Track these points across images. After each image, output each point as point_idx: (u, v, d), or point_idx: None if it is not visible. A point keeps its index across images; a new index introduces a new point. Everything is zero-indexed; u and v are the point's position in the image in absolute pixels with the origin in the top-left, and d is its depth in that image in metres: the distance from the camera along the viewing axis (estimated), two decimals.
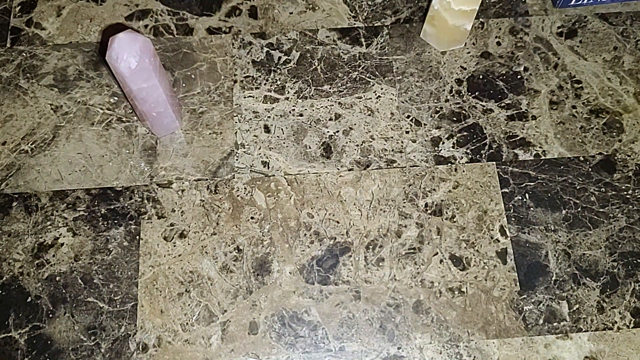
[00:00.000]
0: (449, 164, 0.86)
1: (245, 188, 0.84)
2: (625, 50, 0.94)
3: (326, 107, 0.90)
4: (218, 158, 0.86)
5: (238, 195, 0.84)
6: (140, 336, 0.77)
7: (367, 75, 0.92)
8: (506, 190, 0.85)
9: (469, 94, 0.91)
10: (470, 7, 0.84)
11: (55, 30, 0.95)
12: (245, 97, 0.90)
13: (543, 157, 0.87)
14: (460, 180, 0.85)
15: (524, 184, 0.85)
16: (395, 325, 0.77)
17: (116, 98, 0.90)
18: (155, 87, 0.77)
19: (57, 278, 0.79)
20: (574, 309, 0.78)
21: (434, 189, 0.85)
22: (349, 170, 0.86)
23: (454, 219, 0.83)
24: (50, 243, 0.81)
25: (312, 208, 0.83)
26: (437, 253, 0.81)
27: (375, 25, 0.95)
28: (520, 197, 0.84)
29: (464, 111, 0.89)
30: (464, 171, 0.86)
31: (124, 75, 0.73)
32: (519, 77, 0.92)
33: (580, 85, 0.91)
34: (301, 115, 0.89)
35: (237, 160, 0.86)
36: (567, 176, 0.86)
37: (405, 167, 0.86)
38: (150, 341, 0.76)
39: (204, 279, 0.79)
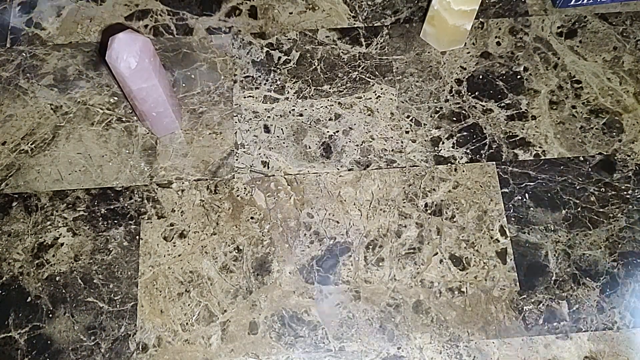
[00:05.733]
0: (449, 164, 0.86)
1: (245, 188, 0.84)
2: (625, 50, 0.94)
3: (326, 107, 0.90)
4: (218, 158, 0.86)
5: (238, 195, 0.84)
6: (140, 336, 0.77)
7: (367, 75, 0.92)
8: (506, 190, 0.85)
9: (469, 94, 0.91)
10: (470, 7, 0.84)
11: (55, 30, 0.95)
12: (245, 97, 0.90)
13: (543, 157, 0.87)
14: (460, 180, 0.85)
15: (523, 184, 0.85)
16: (395, 325, 0.77)
17: (116, 98, 0.90)
18: (155, 87, 0.77)
19: (57, 278, 0.79)
20: (574, 309, 0.78)
21: (433, 189, 0.85)
22: (349, 170, 0.86)
23: (454, 219, 0.83)
24: (50, 243, 0.81)
25: (312, 208, 0.83)
26: (437, 253, 0.81)
27: (375, 25, 0.95)
28: (520, 197, 0.84)
29: (463, 111, 0.89)
30: (463, 171, 0.86)
31: (123, 75, 0.73)
32: (518, 77, 0.92)
33: (580, 85, 0.91)
34: (301, 115, 0.89)
35: (237, 160, 0.86)
36: (567, 176, 0.86)
37: (405, 167, 0.86)
38: (150, 341, 0.76)
39: (204, 279, 0.79)
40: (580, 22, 0.96)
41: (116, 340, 0.76)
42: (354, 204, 0.84)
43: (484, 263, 0.80)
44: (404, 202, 0.84)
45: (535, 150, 0.87)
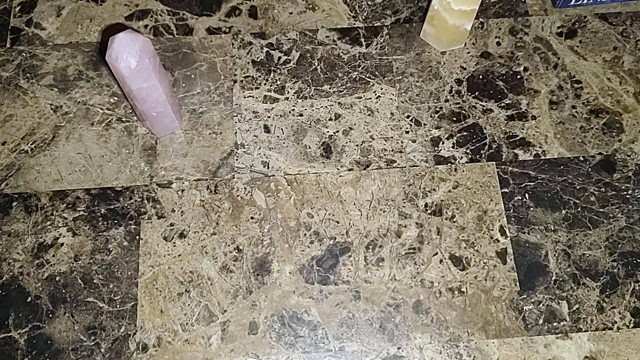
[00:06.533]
0: (449, 164, 0.86)
1: (245, 188, 0.84)
2: (625, 50, 0.94)
3: (326, 107, 0.90)
4: (218, 158, 0.86)
5: (238, 195, 0.84)
6: (140, 336, 0.77)
7: (367, 75, 0.92)
8: (506, 190, 0.85)
9: (469, 94, 0.91)
10: (470, 7, 0.84)
11: (55, 30, 0.95)
12: (245, 97, 0.90)
13: (543, 157, 0.87)
14: (460, 180, 0.85)
15: (523, 184, 0.85)
16: (395, 325, 0.77)
17: (116, 98, 0.90)
18: (155, 87, 0.77)
19: (57, 278, 0.79)
20: (574, 309, 0.78)
21: (433, 189, 0.85)
22: (349, 170, 0.86)
23: (454, 219, 0.83)
24: (50, 243, 0.81)
25: (312, 208, 0.83)
26: (437, 253, 0.81)
27: (375, 25, 0.95)
28: (520, 197, 0.84)
29: (463, 111, 0.89)
30: (463, 171, 0.86)
31: (124, 75, 0.73)
32: (518, 77, 0.92)
33: (580, 85, 0.91)
34: (301, 115, 0.89)
35: (237, 160, 0.86)
36: (567, 176, 0.86)
37: (405, 167, 0.86)
38: (150, 341, 0.76)
39: (204, 279, 0.79)
40: (580, 22, 0.96)
41: (116, 340, 0.76)
42: (354, 204, 0.84)
43: (484, 263, 0.80)
44: (404, 202, 0.84)
45: (535, 150, 0.87)
